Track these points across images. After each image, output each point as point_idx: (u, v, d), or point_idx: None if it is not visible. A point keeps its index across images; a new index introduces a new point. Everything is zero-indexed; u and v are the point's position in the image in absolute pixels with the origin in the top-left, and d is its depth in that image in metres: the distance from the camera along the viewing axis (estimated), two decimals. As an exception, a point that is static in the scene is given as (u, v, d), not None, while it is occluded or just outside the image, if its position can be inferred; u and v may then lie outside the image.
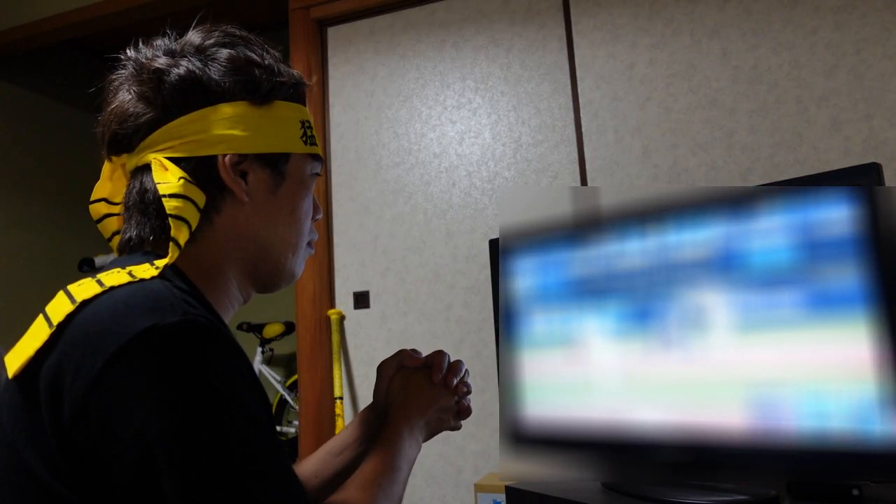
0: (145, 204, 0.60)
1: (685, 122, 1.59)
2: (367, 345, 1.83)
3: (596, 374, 0.94)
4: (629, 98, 1.65)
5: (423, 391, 0.75)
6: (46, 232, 2.92)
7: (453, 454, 1.69)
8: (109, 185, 0.66)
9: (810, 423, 0.75)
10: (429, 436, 0.76)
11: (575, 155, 1.69)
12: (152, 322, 0.47)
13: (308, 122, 0.68)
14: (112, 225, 0.67)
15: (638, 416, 0.89)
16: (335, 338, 1.82)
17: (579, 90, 1.70)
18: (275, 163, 0.63)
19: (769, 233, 0.80)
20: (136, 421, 0.44)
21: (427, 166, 1.82)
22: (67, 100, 3.12)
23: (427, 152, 1.83)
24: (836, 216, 0.75)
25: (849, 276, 0.74)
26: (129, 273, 0.52)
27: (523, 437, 1.03)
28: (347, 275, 1.88)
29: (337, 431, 1.69)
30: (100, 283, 0.51)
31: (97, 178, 0.68)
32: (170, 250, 0.55)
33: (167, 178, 0.58)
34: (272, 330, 3.24)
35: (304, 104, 0.68)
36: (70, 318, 0.49)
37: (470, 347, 1.71)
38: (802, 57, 1.51)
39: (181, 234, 0.56)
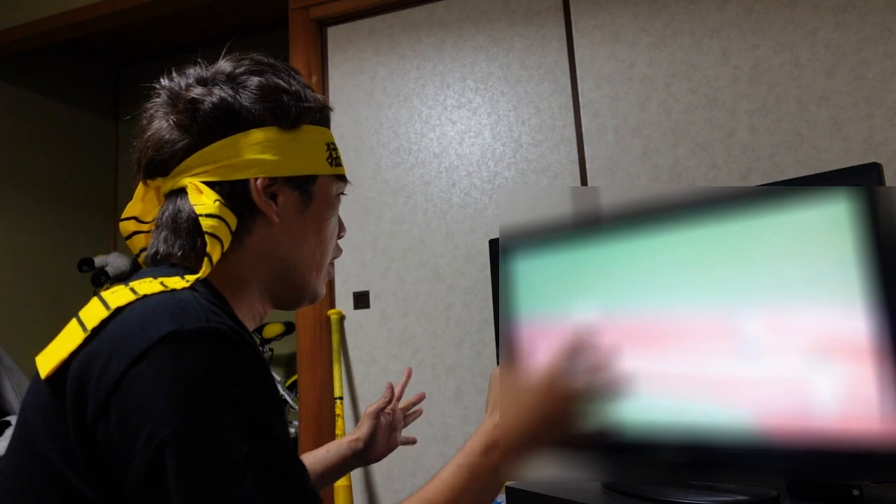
0: (177, 224, 0.63)
1: (685, 121, 1.59)
2: (367, 345, 1.83)
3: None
4: (629, 98, 1.65)
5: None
6: (46, 232, 2.92)
7: (453, 454, 1.69)
8: (141, 205, 0.70)
9: (810, 422, 0.75)
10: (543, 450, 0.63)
11: (575, 155, 1.69)
12: (175, 327, 0.49)
13: (332, 143, 0.72)
14: (140, 242, 0.71)
15: (638, 416, 0.89)
16: (335, 338, 1.82)
17: (579, 90, 1.70)
18: (303, 185, 0.67)
19: (769, 232, 0.80)
20: (150, 421, 0.46)
21: (427, 166, 1.82)
22: (67, 99, 3.12)
23: (427, 152, 1.83)
24: (836, 216, 0.75)
25: (848, 275, 0.74)
26: (161, 283, 0.55)
27: (523, 438, 1.03)
28: (347, 275, 1.87)
29: (337, 431, 1.69)
30: (133, 290, 0.54)
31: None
32: (203, 265, 0.58)
33: (203, 201, 0.61)
34: (272, 330, 3.24)
35: (329, 126, 0.72)
36: (104, 323, 0.51)
37: (470, 347, 1.71)
38: (803, 57, 1.51)
39: (215, 252, 0.59)
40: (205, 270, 0.58)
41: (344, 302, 1.87)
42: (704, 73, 1.58)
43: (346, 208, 1.89)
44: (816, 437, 0.74)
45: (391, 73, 1.90)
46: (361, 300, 1.85)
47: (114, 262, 2.69)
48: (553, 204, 1.76)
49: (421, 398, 1.07)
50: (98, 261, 2.70)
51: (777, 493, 0.85)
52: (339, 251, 0.75)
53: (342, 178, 0.72)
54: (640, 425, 0.89)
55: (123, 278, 2.26)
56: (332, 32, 1.99)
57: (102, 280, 2.66)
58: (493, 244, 1.29)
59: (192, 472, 0.45)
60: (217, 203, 0.61)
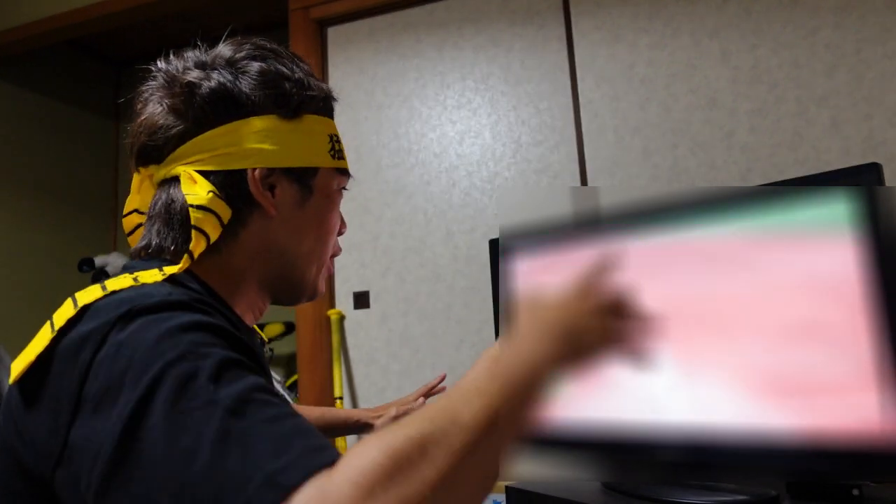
0: (170, 214, 0.60)
1: (685, 122, 1.59)
2: (367, 345, 1.83)
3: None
4: (629, 98, 1.65)
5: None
6: (47, 232, 2.92)
7: (453, 454, 1.69)
8: (139, 197, 0.66)
9: (810, 422, 0.75)
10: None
11: (575, 155, 1.69)
12: (130, 306, 0.46)
13: (336, 135, 0.68)
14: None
15: (638, 416, 0.89)
16: (335, 338, 1.82)
17: (579, 90, 1.70)
18: (303, 177, 0.64)
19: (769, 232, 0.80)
20: (119, 399, 0.42)
21: (427, 166, 1.82)
22: (67, 100, 3.12)
23: (427, 152, 1.83)
24: (836, 216, 0.75)
25: (848, 275, 0.74)
26: (135, 278, 0.52)
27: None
28: (347, 275, 1.87)
29: (337, 431, 1.69)
30: (103, 287, 0.51)
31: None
32: (182, 260, 0.55)
33: (196, 191, 0.58)
34: (272, 330, 3.24)
35: (332, 118, 0.69)
36: (72, 321, 0.48)
37: (470, 347, 1.71)
38: (802, 57, 1.51)
39: (198, 246, 0.56)
40: (182, 265, 0.55)
41: (344, 302, 1.87)
42: (704, 73, 1.59)
43: (346, 208, 1.88)
44: (814, 434, 0.74)
45: (391, 74, 1.90)
46: (361, 300, 1.85)
47: (114, 262, 2.69)
48: (553, 204, 1.76)
49: (442, 378, 1.09)
50: (98, 261, 2.69)
51: (777, 493, 0.85)
52: (338, 248, 0.72)
53: (344, 172, 0.69)
54: (639, 425, 0.89)
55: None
56: (332, 33, 1.99)
57: (102, 280, 2.66)
58: (493, 244, 1.29)
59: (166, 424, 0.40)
60: (210, 195, 0.57)
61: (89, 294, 0.51)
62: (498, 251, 1.14)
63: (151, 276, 0.53)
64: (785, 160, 1.49)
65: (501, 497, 1.13)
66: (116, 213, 3.29)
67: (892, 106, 1.42)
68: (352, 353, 1.84)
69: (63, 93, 3.10)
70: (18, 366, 0.48)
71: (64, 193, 3.02)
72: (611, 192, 1.67)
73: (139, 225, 0.67)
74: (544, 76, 1.74)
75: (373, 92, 1.91)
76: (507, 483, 1.04)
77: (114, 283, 0.52)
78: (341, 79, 1.95)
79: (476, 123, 1.80)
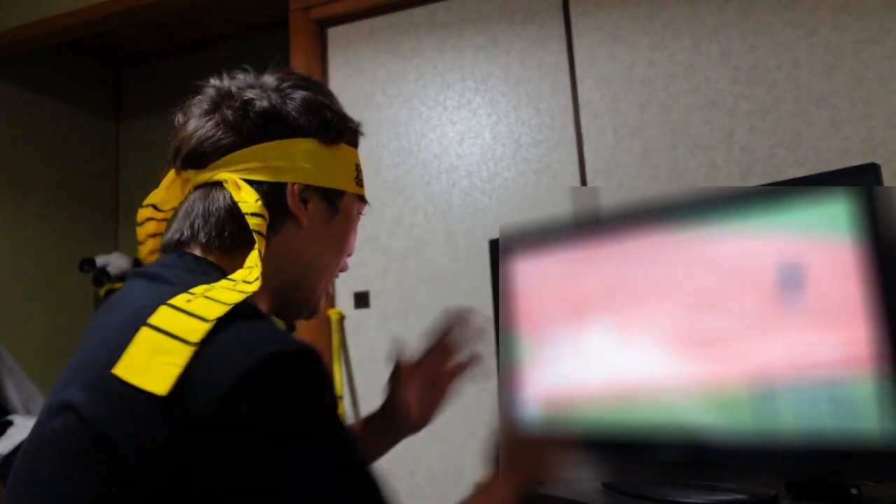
0: (208, 212, 0.65)
1: (685, 122, 1.59)
2: (367, 345, 1.83)
3: (596, 373, 0.94)
4: (629, 99, 1.65)
5: (531, 453, 0.79)
6: (47, 232, 2.92)
7: (453, 454, 1.69)
8: (163, 194, 0.72)
9: (810, 422, 0.75)
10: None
11: (575, 155, 1.69)
12: (278, 348, 0.52)
13: (359, 166, 0.77)
14: (150, 228, 0.74)
15: (638, 416, 0.89)
16: (335, 338, 1.83)
17: (579, 91, 1.70)
18: (332, 197, 0.71)
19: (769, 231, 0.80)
20: (259, 430, 0.50)
21: (427, 166, 1.83)
22: (68, 100, 3.12)
23: (427, 153, 1.83)
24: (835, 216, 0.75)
25: (848, 276, 0.74)
26: (232, 288, 0.56)
27: (523, 437, 1.03)
28: (347, 275, 1.88)
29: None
30: (212, 299, 0.55)
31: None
32: (254, 268, 0.59)
33: (244, 198, 0.63)
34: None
35: (357, 148, 0.77)
36: (210, 335, 0.51)
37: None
38: (802, 58, 1.51)
39: (263, 247, 0.62)
40: (255, 271, 0.59)
41: (344, 302, 1.87)
42: (704, 73, 1.59)
43: (347, 208, 1.89)
44: (814, 436, 0.75)
45: (391, 74, 1.90)
46: (361, 300, 1.85)
47: (115, 262, 2.69)
48: (553, 204, 1.76)
49: (463, 318, 0.89)
50: (99, 261, 2.69)
51: (776, 493, 0.85)
52: (346, 265, 0.78)
53: (363, 200, 0.77)
54: (639, 425, 0.89)
55: (124, 278, 2.25)
56: (333, 33, 2.00)
57: (104, 280, 2.66)
58: (493, 244, 1.29)
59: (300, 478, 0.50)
60: (259, 202, 0.63)
61: (205, 306, 0.53)
62: (498, 251, 1.14)
63: (232, 286, 0.57)
64: (784, 160, 1.49)
65: (501, 497, 1.13)
66: (117, 214, 3.29)
67: (892, 106, 1.42)
68: (352, 353, 1.85)
69: (63, 93, 3.10)
70: (160, 377, 0.49)
71: (64, 193, 3.03)
72: (611, 192, 1.67)
73: (150, 219, 0.73)
74: (544, 76, 1.74)
75: (373, 92, 1.91)
76: (507, 483, 1.04)
77: (218, 294, 0.55)
78: (341, 80, 1.95)
79: (476, 124, 1.80)
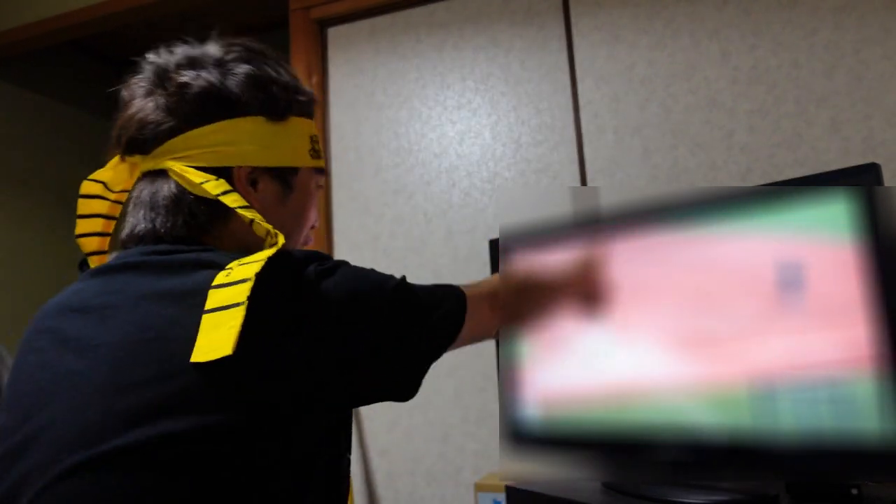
0: (155, 202, 0.63)
1: (685, 122, 1.59)
2: (367, 345, 1.83)
3: (596, 373, 0.94)
4: (629, 98, 1.65)
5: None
6: (46, 232, 2.92)
7: (453, 454, 1.69)
8: (112, 173, 0.70)
9: (810, 422, 0.75)
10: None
11: (575, 155, 1.69)
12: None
13: (315, 136, 0.72)
14: (100, 208, 0.71)
15: (638, 416, 0.89)
16: (335, 338, 1.82)
17: (579, 90, 1.70)
18: (285, 175, 0.68)
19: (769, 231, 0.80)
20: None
21: (427, 166, 1.83)
22: (68, 100, 3.12)
23: (427, 152, 1.83)
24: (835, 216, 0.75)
25: (848, 276, 0.74)
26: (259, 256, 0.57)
27: (523, 437, 1.03)
28: (347, 275, 1.88)
29: (337, 431, 1.69)
30: (247, 262, 0.56)
31: None
32: (277, 236, 0.59)
33: (196, 182, 0.62)
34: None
35: (313, 118, 0.72)
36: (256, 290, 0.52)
37: (470, 348, 1.71)
38: (802, 57, 1.51)
39: (256, 215, 0.61)
40: (280, 240, 0.58)
41: (344, 302, 1.87)
42: (704, 73, 1.59)
43: (346, 208, 1.89)
44: (815, 437, 0.75)
45: (391, 74, 1.90)
46: (361, 300, 1.85)
47: (114, 262, 2.69)
48: (553, 204, 1.77)
49: None
50: (98, 261, 2.69)
51: (776, 493, 0.85)
52: (310, 238, 0.75)
53: (321, 171, 0.73)
54: (639, 425, 0.89)
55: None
56: (333, 33, 1.99)
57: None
58: (493, 244, 1.29)
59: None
60: (220, 179, 0.62)
61: (245, 269, 0.54)
62: (498, 251, 1.14)
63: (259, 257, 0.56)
64: (785, 160, 1.49)
65: (501, 497, 1.13)
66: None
67: (892, 106, 1.42)
68: (352, 353, 1.85)
69: (63, 93, 3.09)
70: (226, 339, 0.49)
71: (64, 193, 3.02)
72: (611, 192, 1.67)
73: (99, 196, 0.71)
74: (544, 76, 1.74)
75: (373, 92, 1.91)
76: (507, 483, 1.04)
77: (253, 257, 0.56)
78: (341, 79, 1.95)
79: (476, 124, 1.80)
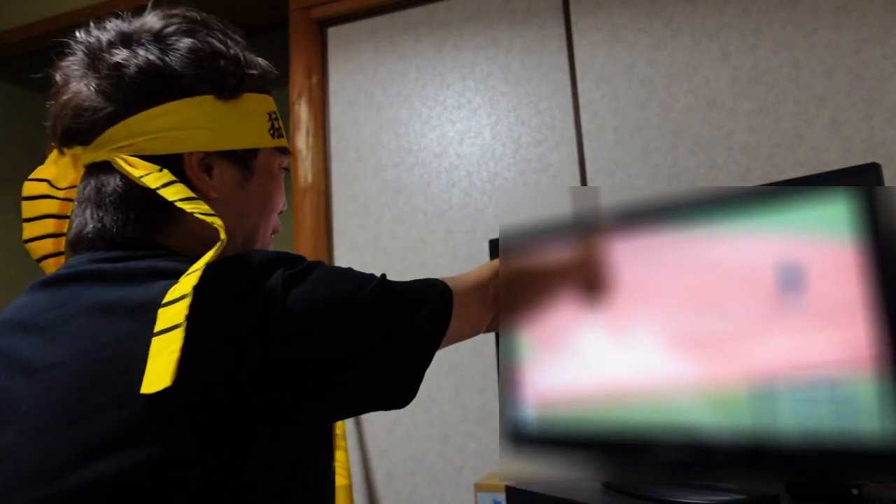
0: (101, 198, 0.58)
1: (685, 122, 1.59)
2: (367, 345, 1.83)
3: (596, 373, 0.94)
4: (629, 98, 1.65)
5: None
6: (46, 232, 2.92)
7: (453, 454, 1.69)
8: (54, 169, 0.64)
9: (810, 422, 0.75)
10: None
11: (575, 155, 1.69)
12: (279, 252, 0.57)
13: (275, 113, 0.65)
14: (49, 207, 0.66)
15: (638, 416, 0.89)
16: (335, 338, 1.82)
17: (579, 90, 1.70)
18: (243, 158, 0.62)
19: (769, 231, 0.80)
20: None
21: (427, 166, 1.82)
22: (67, 100, 3.12)
23: (427, 152, 1.83)
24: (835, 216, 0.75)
25: (848, 276, 0.74)
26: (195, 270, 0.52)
27: (523, 437, 1.03)
28: (347, 275, 1.87)
29: (338, 431, 1.69)
30: (188, 273, 0.50)
31: None
32: (219, 234, 0.53)
33: (141, 173, 0.55)
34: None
35: (271, 93, 0.66)
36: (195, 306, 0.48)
37: (470, 347, 1.71)
38: (802, 57, 1.51)
39: (217, 221, 0.54)
40: (223, 240, 0.53)
41: (344, 302, 1.86)
42: (704, 73, 1.59)
43: (346, 208, 1.89)
44: (815, 437, 0.75)
45: (391, 74, 1.90)
46: (361, 300, 1.85)
47: (114, 262, 2.69)
48: (553, 204, 1.76)
49: None
50: (98, 261, 2.70)
51: (777, 493, 0.85)
52: (278, 225, 0.70)
53: (285, 151, 0.67)
54: (639, 425, 0.89)
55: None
56: (333, 33, 1.99)
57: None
58: (493, 244, 1.29)
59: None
60: (164, 171, 0.55)
61: (183, 283, 0.49)
62: (498, 251, 1.14)
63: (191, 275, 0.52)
64: (785, 160, 1.49)
65: (501, 497, 1.13)
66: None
67: (892, 106, 1.42)
68: (352, 353, 1.84)
69: (63, 93, 3.09)
70: (166, 368, 0.45)
71: (64, 193, 3.02)
72: (611, 192, 1.67)
73: (47, 196, 0.65)
74: (544, 76, 1.74)
75: (373, 92, 1.91)
76: (507, 483, 1.04)
77: (193, 266, 0.51)
78: (341, 79, 1.95)
79: (476, 123, 1.80)
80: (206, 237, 0.60)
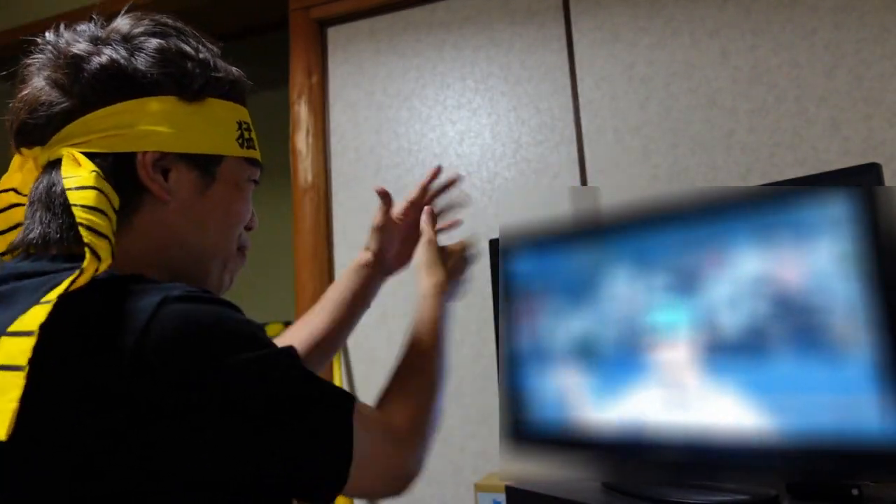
0: (51, 198, 0.55)
1: (685, 121, 1.59)
2: (367, 345, 1.83)
3: (595, 372, 0.94)
4: (629, 98, 1.65)
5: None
6: (46, 232, 2.92)
7: (453, 454, 1.69)
8: (19, 175, 0.61)
9: (810, 422, 0.75)
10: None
11: (575, 155, 1.69)
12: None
13: (246, 123, 0.64)
14: (18, 216, 0.62)
15: (638, 415, 0.89)
16: (335, 338, 1.82)
17: (579, 90, 1.70)
18: (205, 164, 0.60)
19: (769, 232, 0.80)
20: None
21: (427, 166, 1.82)
22: (67, 100, 3.12)
23: (427, 152, 1.83)
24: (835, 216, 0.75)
25: (847, 276, 0.74)
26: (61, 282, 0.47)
27: (523, 437, 1.03)
28: (347, 275, 1.87)
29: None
30: (40, 303, 0.45)
31: None
32: (102, 252, 0.48)
33: (79, 172, 0.52)
34: (272, 330, 3.24)
35: (245, 104, 0.64)
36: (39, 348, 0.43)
37: (470, 347, 1.71)
38: (802, 57, 1.51)
39: (101, 245, 0.49)
40: (84, 268, 0.47)
41: (344, 302, 1.87)
42: (704, 73, 1.59)
43: (346, 208, 1.89)
44: (815, 437, 0.75)
45: (391, 74, 1.90)
46: (361, 300, 1.85)
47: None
48: (553, 204, 1.76)
49: (454, 181, 1.08)
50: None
51: (777, 493, 0.85)
52: (247, 242, 0.67)
53: (255, 163, 0.64)
54: (639, 425, 0.89)
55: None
56: (333, 33, 1.99)
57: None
58: (493, 244, 1.29)
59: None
60: (94, 174, 0.52)
61: (32, 315, 0.44)
62: (498, 251, 1.14)
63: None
64: (785, 160, 1.49)
65: (501, 497, 1.13)
66: (116, 214, 3.29)
67: (892, 106, 1.42)
68: (352, 353, 1.84)
69: (63, 93, 3.09)
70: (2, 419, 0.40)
71: (64, 193, 3.02)
72: (611, 192, 1.67)
73: (15, 205, 0.62)
74: (544, 76, 1.74)
75: (373, 92, 1.91)
76: (507, 483, 1.04)
77: (49, 295, 0.46)
78: (341, 79, 1.95)
79: (476, 123, 1.80)
80: (161, 245, 0.58)
